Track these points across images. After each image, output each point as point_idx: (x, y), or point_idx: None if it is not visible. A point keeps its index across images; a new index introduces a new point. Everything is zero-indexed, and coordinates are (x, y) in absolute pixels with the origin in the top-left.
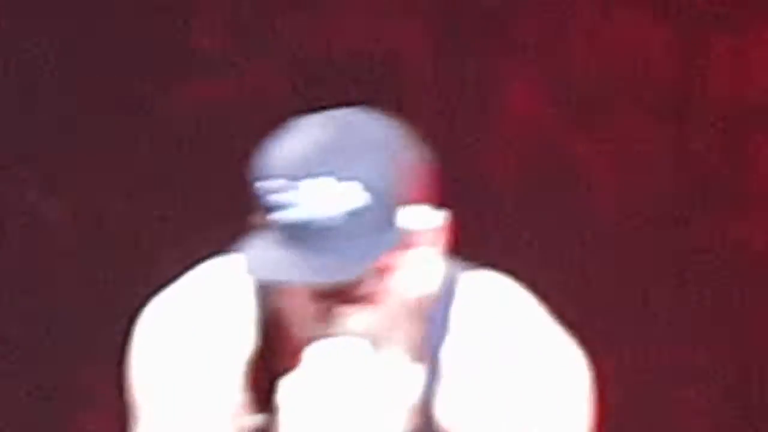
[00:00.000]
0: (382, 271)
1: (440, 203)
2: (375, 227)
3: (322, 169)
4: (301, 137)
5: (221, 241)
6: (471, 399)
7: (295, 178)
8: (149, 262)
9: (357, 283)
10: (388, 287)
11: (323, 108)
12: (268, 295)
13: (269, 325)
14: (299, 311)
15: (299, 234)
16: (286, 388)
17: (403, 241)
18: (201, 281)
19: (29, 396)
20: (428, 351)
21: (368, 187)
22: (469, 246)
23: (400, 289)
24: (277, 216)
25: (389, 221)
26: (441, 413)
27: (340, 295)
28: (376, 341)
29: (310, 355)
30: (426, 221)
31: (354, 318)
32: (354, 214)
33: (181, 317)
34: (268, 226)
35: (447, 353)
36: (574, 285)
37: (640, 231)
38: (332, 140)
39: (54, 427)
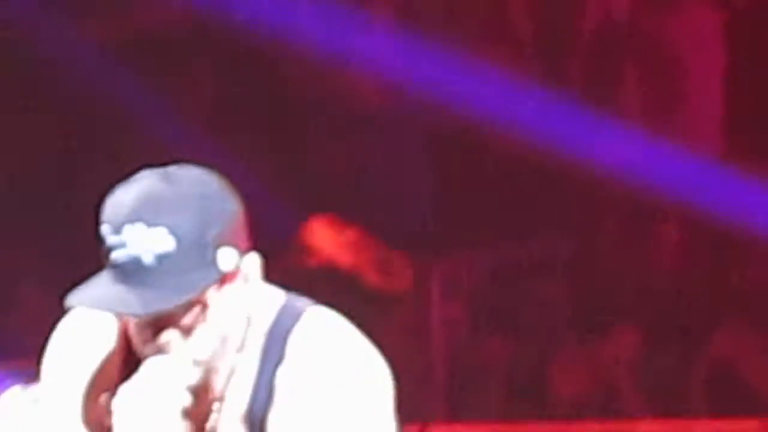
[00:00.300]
0: (199, 305)
1: (252, 246)
2: (185, 267)
3: (136, 216)
4: (130, 189)
5: None
6: (297, 416)
7: (119, 224)
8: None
9: (177, 314)
10: (206, 318)
11: None
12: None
13: (126, 346)
14: (136, 335)
15: (123, 272)
16: (119, 395)
17: (219, 278)
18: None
19: None
20: (266, 367)
21: (174, 233)
22: None
23: (218, 319)
24: (110, 256)
25: (200, 262)
26: (272, 426)
27: (163, 324)
28: (196, 362)
29: (141, 370)
30: (239, 261)
31: (176, 342)
32: (162, 256)
33: (70, 338)
34: (106, 264)
35: (280, 376)
36: None
37: None
38: (151, 192)
39: None
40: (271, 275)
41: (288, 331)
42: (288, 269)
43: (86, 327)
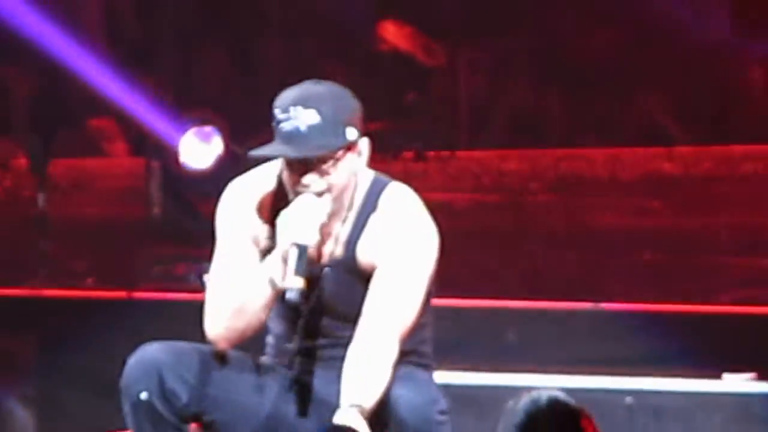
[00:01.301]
0: (332, 159)
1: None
2: (326, 134)
3: (297, 101)
4: (294, 88)
5: None
6: (376, 244)
7: (287, 106)
8: None
9: (317, 164)
10: (336, 168)
11: None
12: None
13: (278, 194)
14: (288, 178)
15: (287, 137)
16: (282, 216)
17: (344, 146)
18: (259, 171)
19: None
20: (362, 213)
21: (320, 113)
22: None
23: (342, 172)
24: (278, 127)
25: (335, 132)
26: (360, 249)
27: (307, 169)
28: (328, 196)
29: (295, 201)
30: (358, 139)
31: (315, 183)
32: (312, 127)
33: (240, 190)
34: (275, 133)
35: (372, 219)
36: None
37: None
38: (307, 89)
39: None
40: (359, 53)
41: (381, 191)
42: (371, 51)
43: (251, 180)
